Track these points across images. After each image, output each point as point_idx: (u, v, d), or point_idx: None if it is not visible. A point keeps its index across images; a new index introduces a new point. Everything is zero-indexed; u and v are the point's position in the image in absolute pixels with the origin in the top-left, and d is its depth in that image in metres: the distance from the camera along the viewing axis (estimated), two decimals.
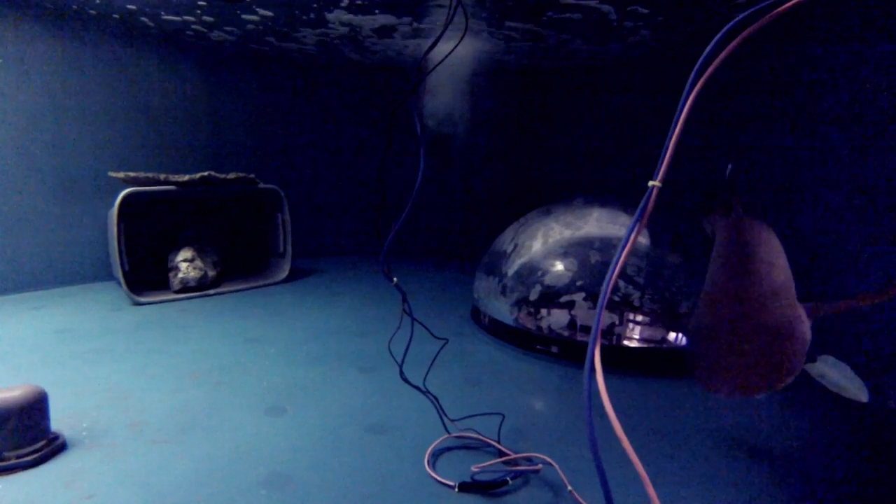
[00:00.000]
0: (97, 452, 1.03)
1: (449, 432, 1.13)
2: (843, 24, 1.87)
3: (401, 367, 1.08)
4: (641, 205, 0.44)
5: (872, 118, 1.78)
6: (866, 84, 1.78)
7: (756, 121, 2.21)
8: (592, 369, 0.42)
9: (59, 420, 1.09)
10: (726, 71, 2.37)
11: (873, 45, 1.76)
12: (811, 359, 1.66)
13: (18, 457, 0.93)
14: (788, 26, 2.04)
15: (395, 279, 1.02)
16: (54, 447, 0.99)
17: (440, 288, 2.53)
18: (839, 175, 1.89)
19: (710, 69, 0.38)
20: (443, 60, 1.06)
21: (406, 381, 1.09)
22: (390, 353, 1.14)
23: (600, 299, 0.43)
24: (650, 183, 0.42)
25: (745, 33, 0.40)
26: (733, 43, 0.38)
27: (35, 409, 0.95)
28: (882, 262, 1.73)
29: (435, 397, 1.13)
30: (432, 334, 1.16)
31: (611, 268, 0.43)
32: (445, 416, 1.14)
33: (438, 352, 1.23)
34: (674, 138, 0.40)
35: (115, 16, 2.10)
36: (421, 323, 1.11)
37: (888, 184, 1.72)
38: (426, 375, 1.16)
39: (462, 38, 1.11)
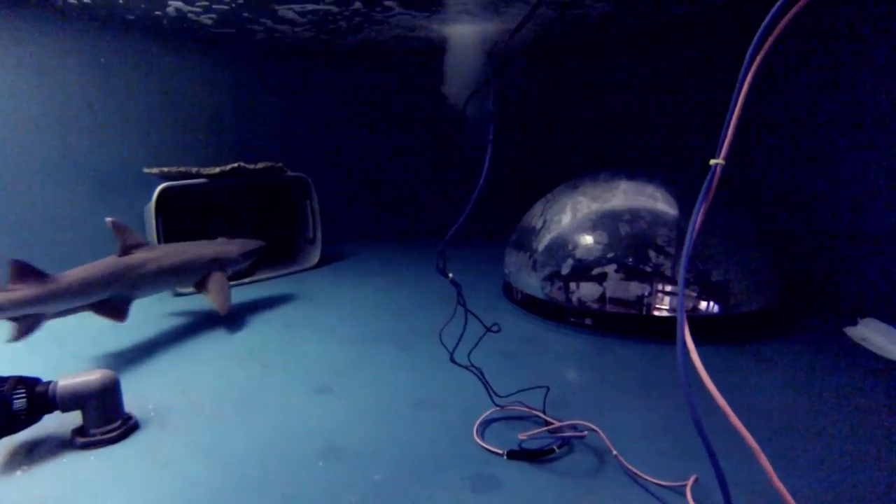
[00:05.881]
0: (166, 429, 1.11)
1: (497, 405, 1.17)
2: (844, 25, 1.82)
3: (452, 353, 1.13)
4: (706, 184, 0.45)
5: (873, 118, 1.75)
6: (867, 84, 1.75)
7: (756, 121, 2.18)
8: (684, 345, 0.44)
9: (128, 402, 1.16)
10: (724, 72, 2.35)
11: (873, 45, 1.72)
12: (853, 322, 1.66)
13: (102, 433, 1.02)
14: (787, 26, 1.99)
15: (450, 274, 1.08)
16: (130, 425, 1.08)
17: (468, 266, 2.56)
18: (839, 175, 1.88)
19: (774, 33, 0.38)
20: (512, 34, 1.03)
21: (455, 362, 1.14)
22: (441, 341, 1.18)
23: (680, 282, 0.45)
24: (712, 161, 0.43)
25: None
26: (799, 4, 0.38)
27: (111, 391, 1.03)
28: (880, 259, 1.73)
29: (482, 374, 1.17)
30: (484, 326, 1.19)
31: (684, 251, 0.45)
32: (494, 392, 1.17)
33: (483, 336, 1.25)
34: (735, 114, 0.41)
35: (158, 13, 2.13)
36: (474, 314, 1.15)
37: (887, 183, 1.70)
38: (470, 353, 1.20)
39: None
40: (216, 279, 1.78)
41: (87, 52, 2.19)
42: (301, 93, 3.07)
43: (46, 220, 2.15)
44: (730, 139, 0.42)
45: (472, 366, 1.16)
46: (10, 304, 1.26)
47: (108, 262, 1.52)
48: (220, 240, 1.95)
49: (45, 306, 1.33)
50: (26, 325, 1.31)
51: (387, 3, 1.96)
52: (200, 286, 1.79)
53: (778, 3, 0.39)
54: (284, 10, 2.09)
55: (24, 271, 1.29)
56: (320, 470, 0.97)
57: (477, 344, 1.23)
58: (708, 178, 0.45)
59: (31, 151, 2.08)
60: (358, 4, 2.00)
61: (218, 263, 1.82)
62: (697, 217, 0.45)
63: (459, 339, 1.15)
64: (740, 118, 0.41)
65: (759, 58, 0.40)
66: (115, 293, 1.51)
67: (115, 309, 1.51)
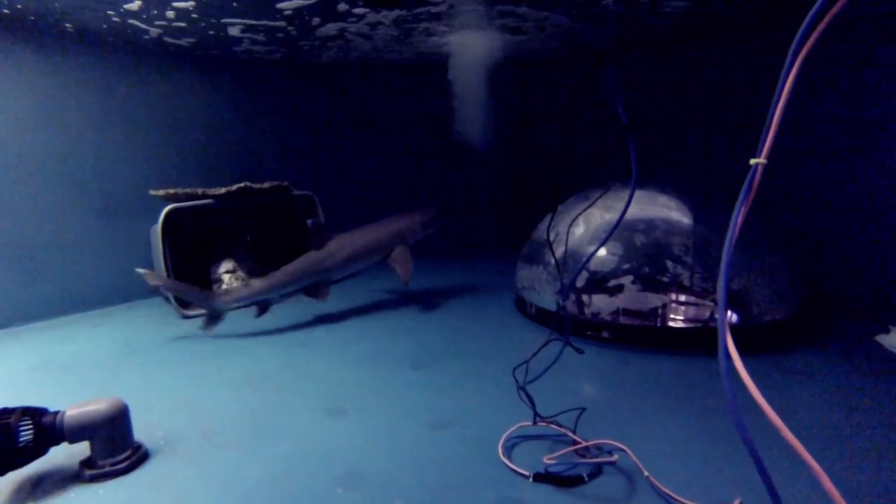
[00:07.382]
0: (177, 459, 1.07)
1: (535, 422, 1.13)
2: (846, 24, 1.81)
3: (524, 386, 1.10)
4: (746, 184, 0.43)
5: (873, 118, 1.73)
6: (867, 84, 1.73)
7: (757, 120, 2.16)
8: (728, 356, 0.41)
9: (137, 429, 1.13)
10: (724, 71, 2.35)
11: (874, 44, 1.71)
12: (884, 329, 1.61)
13: (111, 465, 0.98)
14: (788, 25, 1.98)
15: (565, 302, 1.14)
16: (139, 455, 1.03)
17: (476, 280, 2.53)
18: (839, 175, 1.85)
19: (823, 22, 0.36)
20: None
21: (524, 391, 1.10)
22: (515, 380, 1.15)
23: (721, 289, 0.42)
24: (752, 161, 0.41)
25: None
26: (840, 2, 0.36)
27: (120, 419, 0.99)
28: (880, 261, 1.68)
29: (530, 397, 1.11)
30: (575, 349, 1.15)
31: (724, 255, 0.42)
32: (538, 415, 1.12)
33: (545, 353, 1.17)
34: (778, 112, 0.39)
35: (147, 36, 2.14)
36: (572, 344, 1.13)
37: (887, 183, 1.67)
38: (515, 370, 1.14)
39: None
40: (398, 252, 2.04)
41: (89, 76, 2.21)
42: (301, 104, 3.08)
43: (53, 244, 2.14)
44: (772, 138, 0.40)
45: (519, 385, 1.12)
46: (250, 293, 1.88)
47: (308, 256, 1.96)
48: (402, 215, 2.16)
49: (271, 294, 1.92)
50: (260, 309, 1.96)
51: (340, 6, 1.83)
52: (387, 258, 2.07)
53: (820, 1, 0.37)
54: (233, 29, 2.05)
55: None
56: (340, 498, 0.93)
57: (523, 364, 1.17)
58: (748, 178, 0.42)
59: (36, 176, 2.08)
60: (316, 20, 1.96)
61: (400, 237, 2.06)
62: (738, 219, 0.42)
63: (544, 371, 1.11)
64: (782, 117, 0.39)
65: (803, 52, 0.38)
66: (317, 279, 1.96)
67: (318, 291, 1.97)
